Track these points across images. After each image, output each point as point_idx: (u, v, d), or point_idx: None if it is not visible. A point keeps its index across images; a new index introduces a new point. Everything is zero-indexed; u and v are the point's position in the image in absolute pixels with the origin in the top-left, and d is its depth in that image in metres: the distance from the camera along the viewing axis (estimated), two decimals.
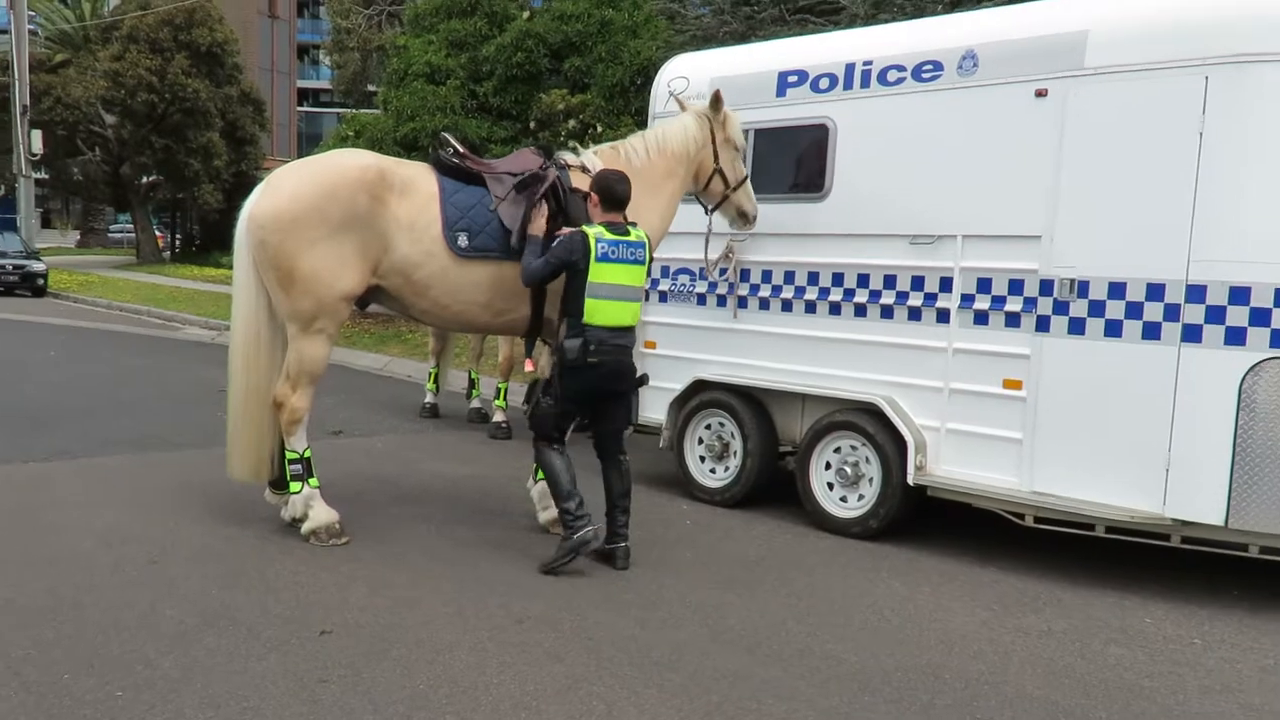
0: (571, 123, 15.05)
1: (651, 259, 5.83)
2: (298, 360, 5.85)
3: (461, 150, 6.05)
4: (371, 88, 25.42)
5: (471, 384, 10.62)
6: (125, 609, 4.77)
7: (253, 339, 5.96)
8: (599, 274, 5.49)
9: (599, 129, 14.62)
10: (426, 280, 5.80)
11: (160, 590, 5.03)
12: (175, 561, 5.47)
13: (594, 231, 5.52)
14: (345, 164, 5.83)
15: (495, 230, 5.81)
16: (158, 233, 39.22)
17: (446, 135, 6.28)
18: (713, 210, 6.80)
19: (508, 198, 5.83)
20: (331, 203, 5.64)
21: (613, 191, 5.64)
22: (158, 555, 5.56)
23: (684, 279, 7.59)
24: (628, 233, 5.62)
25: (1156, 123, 5.49)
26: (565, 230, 5.69)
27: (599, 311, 5.51)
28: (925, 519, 6.73)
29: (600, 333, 5.52)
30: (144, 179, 34.77)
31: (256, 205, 5.78)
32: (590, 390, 5.63)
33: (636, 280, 5.64)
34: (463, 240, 5.76)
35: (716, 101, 6.51)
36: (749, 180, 6.74)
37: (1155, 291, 5.50)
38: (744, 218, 6.76)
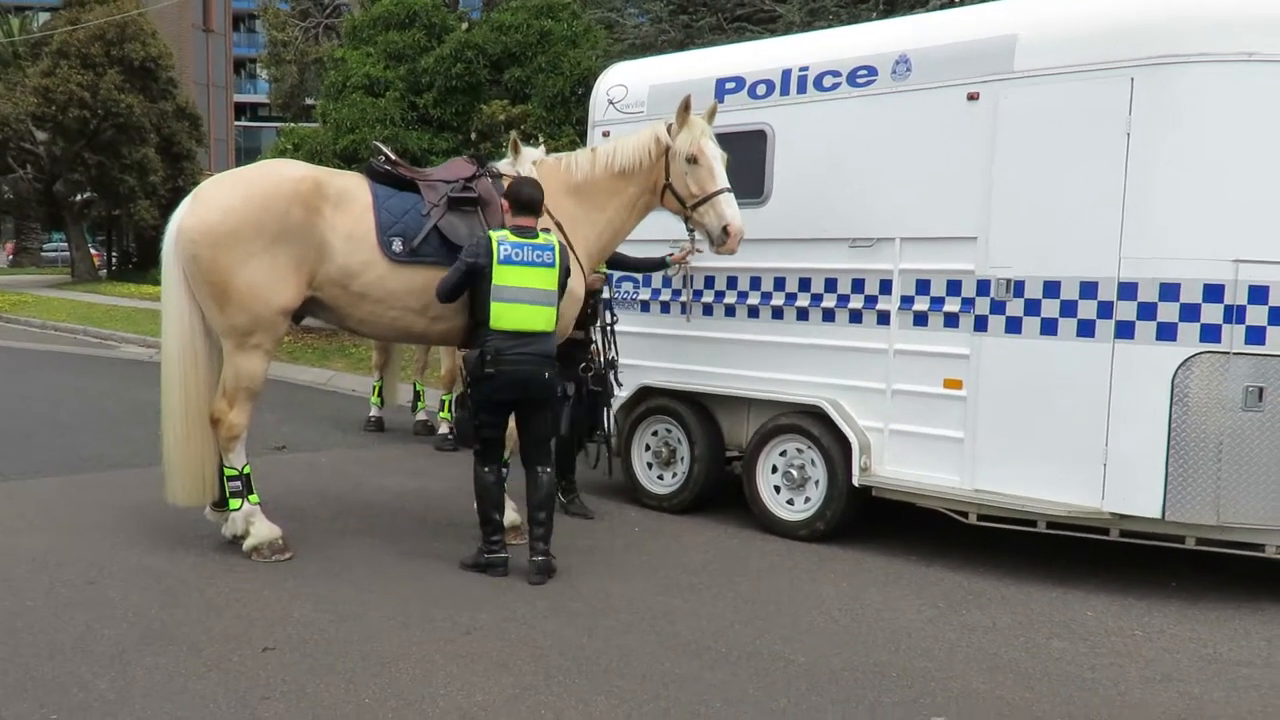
0: (513, 133, 14.99)
1: (568, 267, 5.74)
2: (235, 376, 5.75)
3: (393, 158, 6.02)
4: (309, 101, 25.12)
5: (416, 396, 10.52)
6: (60, 631, 4.65)
7: (189, 356, 5.83)
8: (502, 276, 5.43)
9: (540, 140, 14.58)
10: (364, 289, 5.74)
11: (97, 611, 4.91)
12: (113, 582, 5.35)
13: (498, 235, 5.49)
14: (279, 175, 5.75)
15: (430, 235, 5.77)
16: (93, 251, 38.40)
17: (378, 144, 6.26)
18: (693, 231, 6.33)
19: (441, 204, 5.81)
20: (266, 215, 5.56)
21: (519, 196, 5.60)
22: (94, 576, 5.43)
23: (627, 286, 7.59)
24: (535, 235, 5.57)
25: (1085, 124, 5.60)
26: None
27: (504, 315, 5.44)
28: (876, 520, 6.77)
29: (500, 342, 5.43)
30: (78, 196, 34.02)
31: (186, 219, 5.67)
32: (495, 400, 5.55)
33: (546, 284, 5.55)
34: (397, 245, 5.72)
35: (683, 108, 6.13)
36: (723, 196, 6.06)
37: (1088, 289, 5.60)
38: (709, 239, 6.15)
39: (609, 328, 7.04)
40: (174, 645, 4.53)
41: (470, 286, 5.56)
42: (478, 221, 5.86)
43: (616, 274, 7.51)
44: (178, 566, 5.64)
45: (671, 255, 6.90)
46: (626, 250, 7.00)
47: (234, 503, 5.85)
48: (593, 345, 6.96)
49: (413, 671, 4.32)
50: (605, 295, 7.10)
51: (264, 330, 5.69)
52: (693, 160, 6.10)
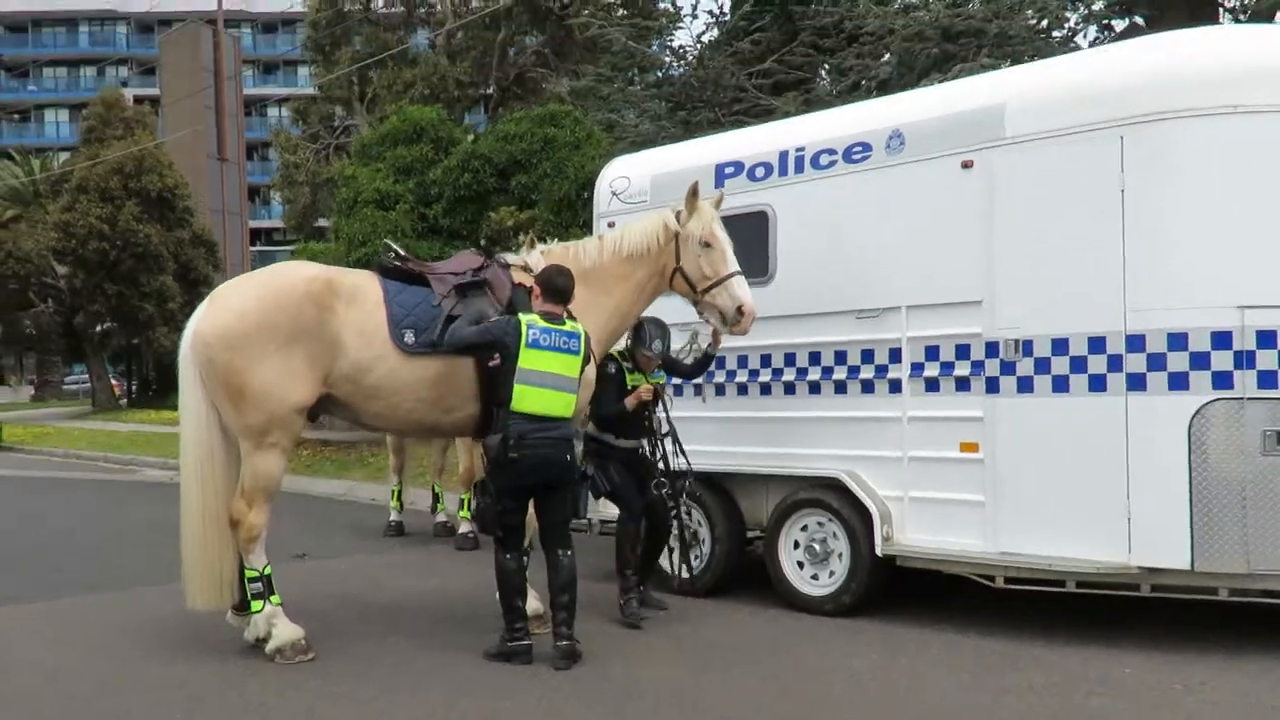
0: (522, 238, 15.28)
1: (589, 356, 5.82)
2: (253, 476, 5.78)
3: (403, 254, 6.14)
4: (322, 221, 25.72)
5: (435, 498, 10.52)
6: None
7: (206, 458, 5.88)
8: (529, 360, 5.50)
9: (550, 242, 14.83)
10: (377, 383, 5.81)
11: None
12: (133, 692, 5.29)
13: (527, 318, 5.59)
14: (291, 276, 5.88)
15: (441, 326, 5.85)
16: (113, 381, 38.87)
17: (388, 242, 6.39)
18: (702, 313, 6.46)
19: (451, 294, 5.90)
20: (280, 315, 5.66)
21: (552, 283, 5.73)
22: (114, 688, 5.37)
23: None
24: (563, 322, 5.66)
25: (1080, 183, 5.70)
26: None
27: (526, 398, 5.49)
28: (906, 593, 6.67)
29: (522, 425, 5.46)
30: (98, 327, 34.62)
31: (201, 322, 5.78)
32: (517, 485, 5.54)
33: (569, 370, 5.62)
34: (409, 337, 5.80)
35: (692, 194, 6.30)
36: (735, 279, 6.23)
37: (1097, 344, 5.62)
38: (722, 319, 6.30)
39: (671, 438, 6.72)
40: None
41: (485, 356, 5.66)
42: (488, 303, 5.96)
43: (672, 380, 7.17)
44: (200, 673, 5.59)
45: (710, 344, 6.74)
46: None
47: (256, 604, 5.82)
48: (657, 458, 6.67)
49: None
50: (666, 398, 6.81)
51: (280, 429, 5.74)
52: (707, 244, 6.28)
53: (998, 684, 5.09)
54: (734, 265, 6.29)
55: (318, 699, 5.12)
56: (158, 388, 36.18)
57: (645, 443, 6.71)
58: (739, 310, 6.20)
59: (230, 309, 5.75)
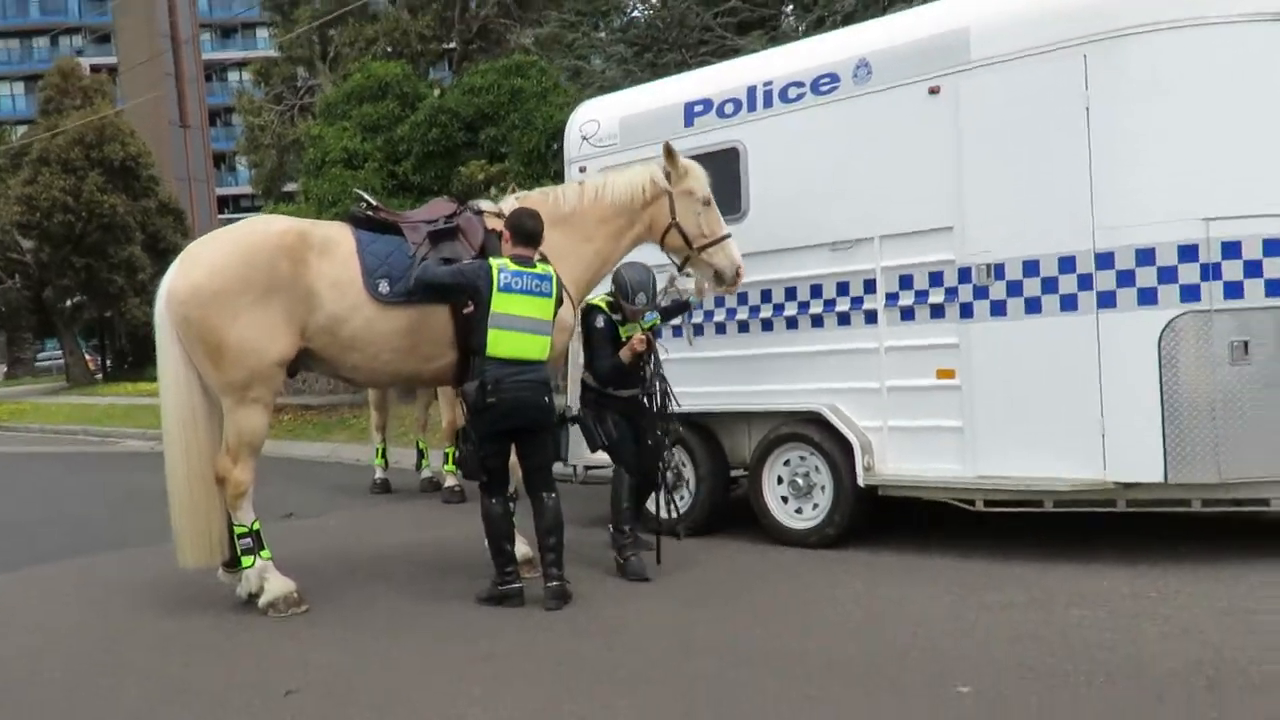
0: (493, 191, 15.20)
1: (561, 298, 5.82)
2: (236, 433, 5.78)
3: (374, 204, 6.11)
4: (290, 185, 25.42)
5: (420, 454, 10.54)
6: (81, 694, 4.64)
7: (188, 419, 5.87)
8: (500, 304, 5.50)
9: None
10: (354, 334, 5.79)
11: (118, 675, 4.90)
12: (132, 648, 5.34)
13: (498, 262, 5.58)
14: (263, 230, 5.84)
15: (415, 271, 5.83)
16: (87, 355, 38.49)
17: (359, 191, 6.34)
18: (683, 268, 6.55)
19: (425, 242, 5.88)
20: (252, 271, 5.63)
21: (522, 226, 5.71)
22: (113, 644, 5.42)
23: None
24: (534, 265, 5.67)
25: (1045, 103, 5.73)
26: None
27: (501, 342, 5.49)
28: (894, 524, 6.78)
29: (498, 370, 5.47)
30: (68, 301, 34.20)
31: (175, 280, 5.74)
32: (496, 429, 5.56)
33: (542, 313, 5.63)
34: (383, 286, 5.78)
35: (669, 153, 6.32)
36: (730, 241, 6.35)
37: (1067, 264, 5.69)
38: (719, 280, 6.40)
39: (661, 384, 6.48)
40: (198, 698, 4.52)
41: (459, 303, 5.65)
42: (462, 248, 5.94)
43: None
44: (196, 628, 5.64)
45: (692, 296, 6.74)
46: None
47: (246, 560, 5.84)
48: (654, 406, 6.51)
49: (438, 697, 4.32)
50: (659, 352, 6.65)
51: (261, 383, 5.73)
52: (706, 203, 6.38)
53: (981, 601, 5.20)
54: (726, 227, 6.44)
55: (313, 647, 5.18)
56: (133, 360, 35.86)
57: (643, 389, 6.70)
58: (736, 272, 6.37)
59: (201, 265, 5.71)
